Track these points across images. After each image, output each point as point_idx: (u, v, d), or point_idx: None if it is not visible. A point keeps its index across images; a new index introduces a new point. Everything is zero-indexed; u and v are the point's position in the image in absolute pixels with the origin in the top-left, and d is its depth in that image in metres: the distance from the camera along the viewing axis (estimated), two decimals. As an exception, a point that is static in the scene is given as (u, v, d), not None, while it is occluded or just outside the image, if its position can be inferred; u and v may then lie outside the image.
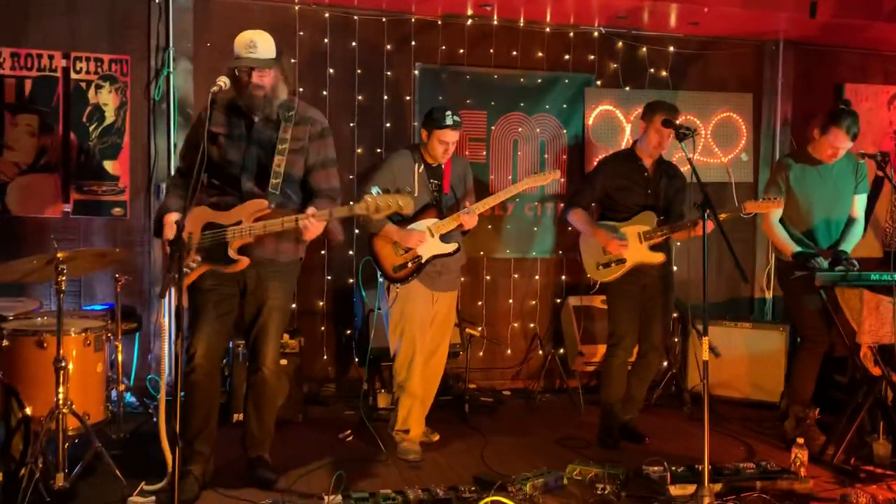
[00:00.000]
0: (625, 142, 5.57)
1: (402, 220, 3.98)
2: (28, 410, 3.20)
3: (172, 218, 3.29)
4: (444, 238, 4.02)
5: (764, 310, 5.97)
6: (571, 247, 5.45)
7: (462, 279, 5.42)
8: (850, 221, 4.41)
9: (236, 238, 3.27)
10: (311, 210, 3.24)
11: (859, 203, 4.42)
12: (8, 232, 4.74)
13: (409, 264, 3.97)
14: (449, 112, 3.96)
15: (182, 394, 3.33)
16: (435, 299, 4.07)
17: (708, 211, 3.44)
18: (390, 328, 4.08)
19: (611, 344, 4.34)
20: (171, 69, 4.89)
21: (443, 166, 4.10)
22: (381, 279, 4.14)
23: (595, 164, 4.57)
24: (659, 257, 4.23)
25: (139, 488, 3.24)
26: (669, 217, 4.29)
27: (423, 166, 4.05)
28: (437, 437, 4.27)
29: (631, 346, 4.30)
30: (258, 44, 3.27)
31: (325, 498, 3.16)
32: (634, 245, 4.20)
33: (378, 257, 4.03)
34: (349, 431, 4.37)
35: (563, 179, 5.56)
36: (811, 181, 4.33)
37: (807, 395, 4.34)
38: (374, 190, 3.27)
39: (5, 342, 3.57)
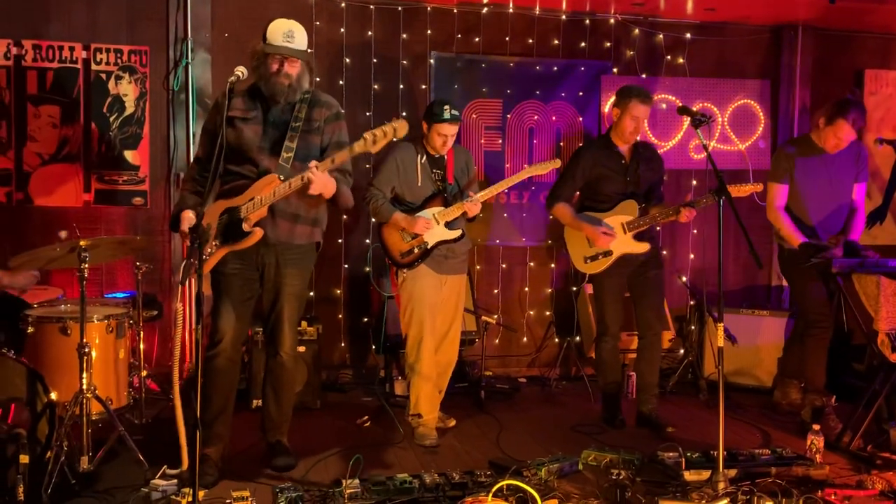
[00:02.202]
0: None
1: (408, 208, 4.09)
2: (53, 395, 3.27)
3: (189, 214, 3.34)
4: (449, 225, 4.10)
5: (781, 298, 5.94)
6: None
7: (478, 267, 5.48)
8: (852, 211, 4.40)
9: (251, 212, 3.31)
10: (313, 163, 3.25)
11: (859, 192, 4.40)
12: (31, 221, 4.82)
13: (416, 250, 4.07)
14: (447, 106, 4.01)
15: (202, 378, 3.39)
16: (443, 282, 4.15)
17: (722, 198, 3.43)
18: (400, 311, 4.18)
19: (599, 333, 4.43)
20: (190, 60, 4.94)
21: (445, 157, 4.16)
22: (389, 265, 4.26)
23: (571, 154, 4.53)
24: (643, 247, 4.26)
25: (161, 471, 3.30)
26: (651, 202, 4.31)
27: (425, 157, 4.12)
28: (453, 423, 4.31)
29: (618, 332, 4.40)
30: (296, 34, 3.33)
31: (343, 482, 3.20)
32: (619, 236, 4.23)
33: (386, 244, 4.14)
34: (366, 417, 4.42)
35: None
36: (813, 169, 4.32)
37: (820, 382, 4.34)
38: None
39: (31, 329, 3.65)
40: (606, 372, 4.44)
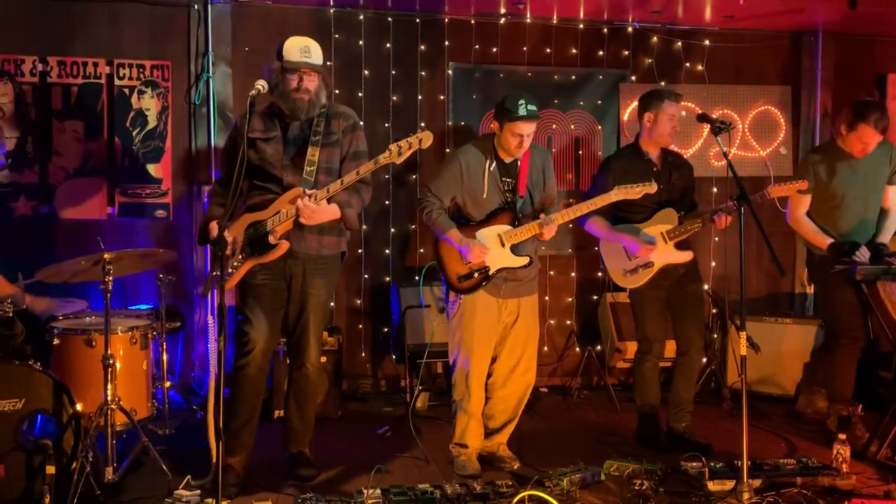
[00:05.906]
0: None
1: (471, 224, 3.69)
2: (78, 407, 3.30)
3: (216, 224, 3.39)
4: (516, 248, 3.67)
5: (805, 305, 5.88)
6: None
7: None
8: (884, 213, 4.31)
9: (276, 225, 3.35)
10: (310, 193, 3.29)
11: (893, 193, 4.32)
12: (56, 234, 4.89)
13: (476, 275, 3.62)
14: (523, 101, 3.52)
15: (227, 388, 3.41)
16: (502, 307, 3.72)
17: (742, 206, 3.40)
18: (449, 337, 3.82)
19: (641, 351, 4.20)
20: (211, 74, 5.00)
21: (519, 162, 3.69)
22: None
23: (599, 166, 4.35)
24: (687, 255, 4.06)
25: (185, 482, 3.33)
26: (685, 210, 4.12)
27: (494, 163, 3.65)
28: (517, 466, 3.79)
29: (661, 350, 4.19)
30: (312, 50, 3.40)
31: (365, 492, 3.21)
32: (660, 246, 4.02)
33: (443, 263, 3.70)
34: (387, 427, 4.42)
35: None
36: (843, 176, 4.23)
37: (847, 392, 4.27)
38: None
39: (56, 341, 3.70)
40: (646, 393, 4.19)
